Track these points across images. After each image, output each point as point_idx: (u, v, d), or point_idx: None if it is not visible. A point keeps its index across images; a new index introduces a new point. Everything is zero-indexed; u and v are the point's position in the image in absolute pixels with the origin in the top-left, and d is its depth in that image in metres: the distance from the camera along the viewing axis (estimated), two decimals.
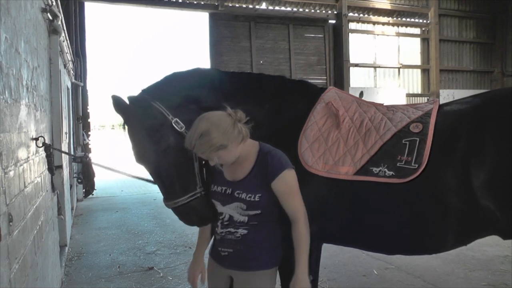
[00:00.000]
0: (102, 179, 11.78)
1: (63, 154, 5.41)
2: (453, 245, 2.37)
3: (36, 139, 3.07)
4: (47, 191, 3.42)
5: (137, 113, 2.30)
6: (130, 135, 2.36)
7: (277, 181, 2.12)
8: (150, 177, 2.49)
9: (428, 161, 2.25)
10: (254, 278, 2.20)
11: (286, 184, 2.13)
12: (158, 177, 2.33)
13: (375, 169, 2.30)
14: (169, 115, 2.29)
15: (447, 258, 5.32)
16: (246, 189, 2.15)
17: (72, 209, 8.03)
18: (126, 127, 2.39)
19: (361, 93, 13.28)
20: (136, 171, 2.57)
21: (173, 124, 2.28)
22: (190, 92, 2.39)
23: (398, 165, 2.28)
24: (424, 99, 15.13)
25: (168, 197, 2.33)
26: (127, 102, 2.31)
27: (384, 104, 2.68)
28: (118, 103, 2.31)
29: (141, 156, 2.33)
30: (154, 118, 2.28)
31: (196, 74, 2.56)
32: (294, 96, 2.65)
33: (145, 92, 2.40)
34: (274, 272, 2.27)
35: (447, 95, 15.27)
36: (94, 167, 9.32)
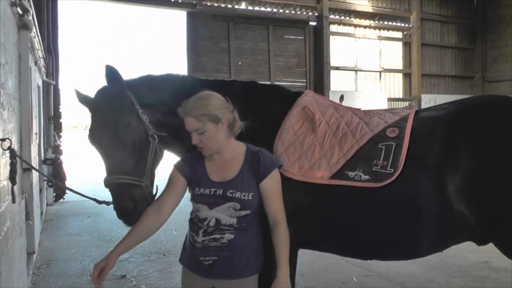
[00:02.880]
0: (75, 182, 11.60)
1: (32, 156, 5.32)
2: (429, 250, 2.42)
3: (3, 140, 3.02)
4: (15, 195, 3.35)
5: (108, 93, 2.50)
6: (92, 114, 2.54)
7: (268, 179, 2.18)
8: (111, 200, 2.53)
9: (404, 166, 2.30)
10: (242, 285, 2.20)
11: (275, 182, 2.21)
12: (109, 153, 2.46)
13: (351, 173, 2.33)
14: (137, 105, 2.49)
15: (428, 265, 5.41)
16: (240, 187, 2.17)
17: (41, 214, 7.89)
18: (91, 109, 2.58)
19: (342, 97, 13.41)
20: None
21: (139, 114, 2.48)
22: (159, 95, 2.54)
23: (374, 169, 2.32)
24: (406, 104, 15.37)
25: (113, 171, 2.43)
26: (105, 70, 2.46)
27: (362, 109, 2.73)
28: (80, 96, 2.58)
29: (97, 134, 2.48)
30: (122, 100, 2.48)
31: (168, 78, 2.74)
32: (266, 101, 2.71)
33: (117, 77, 2.52)
34: (257, 278, 2.27)
35: (428, 100, 15.55)
36: (65, 170, 9.20)
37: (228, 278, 2.20)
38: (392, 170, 2.30)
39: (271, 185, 2.20)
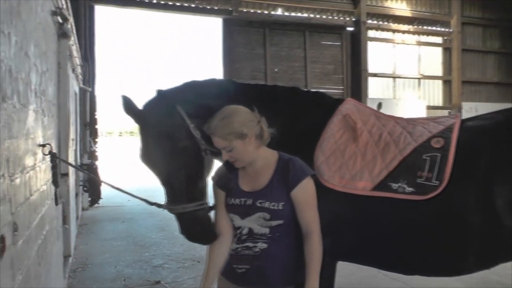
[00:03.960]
0: (108, 188, 11.82)
1: (70, 160, 5.46)
2: (475, 267, 2.34)
3: (43, 145, 3.11)
4: (52, 199, 3.44)
5: (157, 112, 2.38)
6: (142, 133, 2.42)
7: (298, 189, 2.15)
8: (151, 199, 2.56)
9: (450, 178, 2.24)
10: None
11: (307, 192, 2.17)
12: (167, 180, 2.38)
13: (394, 185, 2.28)
14: (187, 119, 2.37)
15: (470, 282, 5.21)
16: (269, 197, 2.16)
17: (77, 218, 8.08)
18: (139, 126, 2.44)
19: (379, 105, 13.22)
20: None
21: (191, 130, 2.36)
22: (206, 101, 2.43)
23: (418, 181, 2.26)
24: (445, 112, 15.01)
25: (175, 201, 2.37)
26: (155, 95, 2.41)
27: (404, 118, 2.67)
28: (128, 104, 2.39)
29: (151, 156, 2.38)
30: (174, 119, 2.36)
31: (212, 84, 2.65)
32: (308, 108, 2.66)
33: (164, 93, 2.48)
34: None
35: (469, 108, 15.13)
36: (101, 177, 9.41)
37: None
38: (438, 182, 2.24)
39: (302, 195, 2.16)
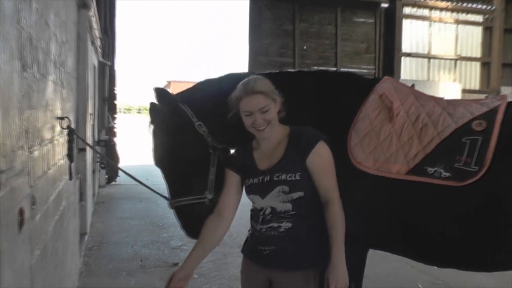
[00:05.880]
0: (126, 165, 11.98)
1: (87, 136, 5.53)
2: None
3: (62, 118, 3.14)
4: (72, 172, 3.49)
5: (162, 110, 2.53)
6: (152, 131, 2.62)
7: (312, 155, 2.18)
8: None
9: (491, 164, 2.17)
10: (300, 279, 2.19)
11: (322, 157, 2.20)
12: (169, 175, 2.58)
13: (430, 169, 2.23)
14: (194, 117, 2.49)
15: (503, 279, 5.12)
16: (285, 169, 2.19)
17: (93, 195, 8.22)
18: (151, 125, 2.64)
19: (412, 87, 12.99)
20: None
21: (196, 127, 2.48)
22: (220, 98, 2.42)
23: (456, 166, 2.21)
24: (482, 97, 14.68)
25: (173, 195, 2.56)
26: (154, 94, 2.51)
27: (445, 98, 2.60)
28: (163, 96, 2.51)
29: (157, 153, 2.58)
30: (179, 117, 2.50)
31: (228, 79, 2.66)
32: (340, 91, 2.63)
33: (176, 95, 2.65)
34: (318, 272, 2.22)
35: (509, 93, 14.73)
36: (118, 152, 9.52)
37: (285, 269, 2.20)
38: (477, 168, 2.17)
39: (317, 160, 2.19)
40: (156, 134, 2.58)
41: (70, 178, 3.44)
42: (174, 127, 2.50)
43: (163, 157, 2.55)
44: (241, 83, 2.24)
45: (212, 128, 2.49)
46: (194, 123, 2.48)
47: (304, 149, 2.19)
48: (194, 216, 2.50)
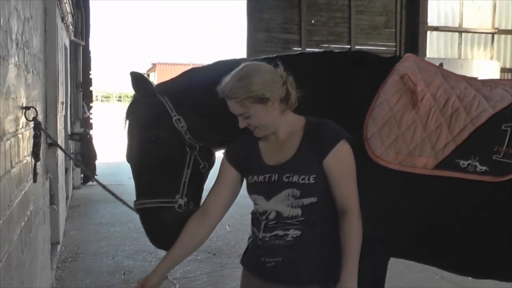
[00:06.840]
0: (105, 163, 12.00)
1: (58, 129, 5.51)
2: None
3: (27, 108, 3.13)
4: (37, 173, 3.48)
5: (139, 103, 2.65)
6: (127, 122, 2.73)
7: (331, 156, 2.14)
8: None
9: None
10: None
11: (342, 159, 2.17)
12: (135, 173, 2.67)
13: (463, 163, 2.23)
14: (172, 111, 2.57)
15: None
16: (298, 169, 2.15)
17: (67, 198, 8.23)
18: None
19: (440, 66, 12.99)
20: None
21: (174, 122, 2.56)
22: (205, 92, 2.48)
23: (494, 158, 2.21)
24: None
25: (139, 195, 2.63)
26: (130, 79, 2.58)
27: (479, 78, 2.59)
28: (140, 83, 2.61)
29: (128, 151, 2.68)
30: (155, 109, 2.59)
31: (216, 67, 2.73)
32: (351, 73, 2.64)
33: (157, 85, 2.75)
34: None
35: None
36: (95, 147, 9.50)
37: (292, 285, 2.19)
38: None
39: (337, 163, 2.15)
40: (129, 126, 2.68)
41: (35, 180, 3.40)
42: (148, 119, 2.58)
43: (132, 152, 2.64)
44: (224, 78, 2.19)
45: (192, 124, 2.57)
46: (172, 117, 2.55)
47: (323, 147, 2.15)
48: (161, 224, 2.56)
